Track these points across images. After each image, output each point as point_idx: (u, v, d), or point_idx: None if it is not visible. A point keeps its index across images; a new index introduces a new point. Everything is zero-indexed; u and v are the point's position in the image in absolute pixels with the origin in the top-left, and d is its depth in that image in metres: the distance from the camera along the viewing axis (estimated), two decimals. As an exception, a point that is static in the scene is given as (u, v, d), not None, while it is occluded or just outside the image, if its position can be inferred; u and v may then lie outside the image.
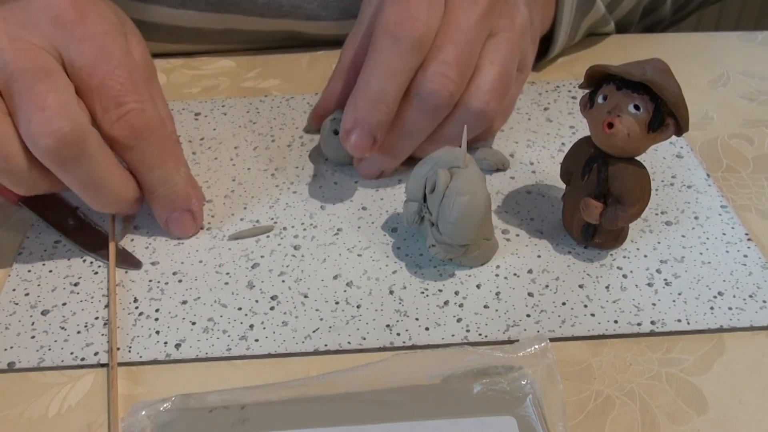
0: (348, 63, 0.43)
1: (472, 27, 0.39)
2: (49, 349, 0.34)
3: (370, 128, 0.38)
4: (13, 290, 0.37)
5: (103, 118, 0.34)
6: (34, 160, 0.33)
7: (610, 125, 0.33)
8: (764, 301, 0.36)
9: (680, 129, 0.34)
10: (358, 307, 0.36)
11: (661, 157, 0.45)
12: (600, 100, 0.34)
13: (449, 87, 0.38)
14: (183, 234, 0.39)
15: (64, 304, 0.36)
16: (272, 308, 0.36)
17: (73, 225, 0.40)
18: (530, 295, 0.36)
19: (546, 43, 0.52)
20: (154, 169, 0.37)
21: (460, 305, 0.36)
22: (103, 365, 0.33)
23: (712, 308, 0.35)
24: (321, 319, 0.35)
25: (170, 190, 0.38)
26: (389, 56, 0.38)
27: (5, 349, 0.34)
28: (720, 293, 0.36)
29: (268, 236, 0.40)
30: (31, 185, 0.35)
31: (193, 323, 0.35)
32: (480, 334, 0.34)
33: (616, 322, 0.35)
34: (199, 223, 0.40)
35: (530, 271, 0.37)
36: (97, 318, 0.35)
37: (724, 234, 0.39)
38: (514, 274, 0.37)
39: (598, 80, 0.35)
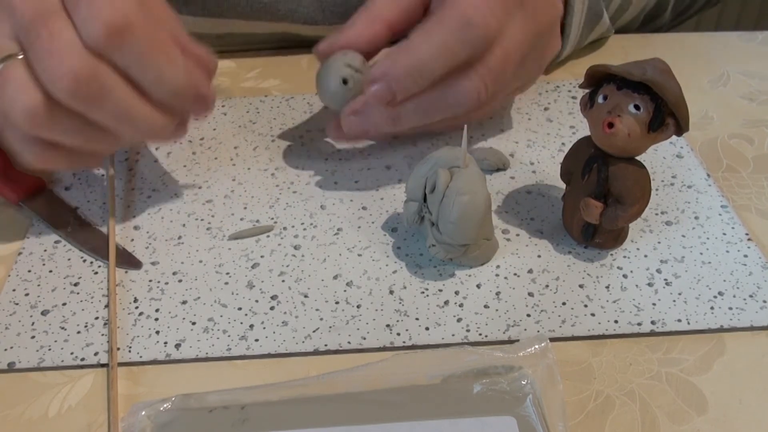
0: (383, 12, 0.41)
1: (525, 45, 0.39)
2: (49, 349, 0.34)
3: (397, 89, 0.38)
4: (13, 290, 0.37)
5: (77, 21, 0.33)
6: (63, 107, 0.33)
7: (611, 125, 0.33)
8: (764, 301, 0.36)
9: (680, 129, 0.34)
10: (358, 307, 0.36)
11: (661, 157, 0.45)
12: (600, 99, 0.34)
13: (483, 95, 0.38)
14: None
15: (64, 304, 0.36)
16: (272, 308, 0.36)
17: (73, 225, 0.40)
18: (530, 295, 0.36)
19: None
20: (146, 70, 0.34)
21: (460, 305, 0.36)
22: (103, 365, 0.33)
23: (712, 308, 0.35)
24: (321, 319, 0.35)
25: (171, 88, 0.35)
26: (452, 36, 0.37)
27: (5, 349, 0.34)
28: (720, 293, 0.36)
29: (268, 236, 0.40)
30: (85, 136, 0.35)
31: (193, 323, 0.35)
32: (480, 334, 0.34)
33: (616, 322, 0.35)
34: (213, 101, 0.38)
35: (530, 271, 0.37)
36: (97, 318, 0.35)
37: (724, 234, 0.39)
38: (515, 274, 0.37)
39: (598, 80, 0.35)
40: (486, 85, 0.38)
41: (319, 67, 0.41)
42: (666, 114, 0.34)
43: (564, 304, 0.36)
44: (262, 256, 0.38)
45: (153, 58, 0.34)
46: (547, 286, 0.37)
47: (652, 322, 0.35)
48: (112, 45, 0.33)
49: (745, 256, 0.38)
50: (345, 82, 0.40)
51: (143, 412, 0.30)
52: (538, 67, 0.44)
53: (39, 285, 0.37)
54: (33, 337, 0.34)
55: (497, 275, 0.37)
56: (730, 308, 0.35)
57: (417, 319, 0.35)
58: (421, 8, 0.42)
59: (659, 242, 0.39)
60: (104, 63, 0.33)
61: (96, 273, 0.38)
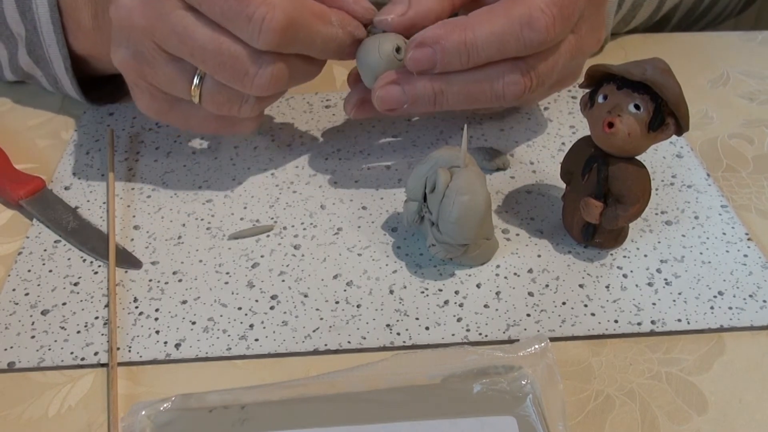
0: None
1: (569, 60, 0.40)
2: (49, 349, 0.34)
3: (440, 59, 0.37)
4: (13, 290, 0.37)
5: (246, 37, 0.36)
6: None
7: (611, 125, 0.33)
8: (764, 301, 0.36)
9: (680, 128, 0.34)
10: (358, 306, 0.36)
11: (661, 157, 0.45)
12: (600, 99, 0.34)
13: (526, 92, 0.38)
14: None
15: (64, 303, 0.36)
16: (272, 308, 0.36)
17: (73, 225, 0.40)
18: (530, 294, 0.36)
19: None
20: (314, 45, 0.38)
21: (460, 305, 0.36)
22: (103, 365, 0.33)
23: (712, 308, 0.35)
24: (321, 319, 0.35)
25: (336, 48, 0.39)
26: (512, 30, 0.36)
27: (5, 349, 0.34)
28: (720, 293, 0.36)
29: (268, 236, 0.40)
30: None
31: (193, 323, 0.35)
32: (480, 334, 0.34)
33: (616, 321, 0.35)
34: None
35: (530, 271, 0.37)
36: (97, 318, 0.35)
37: (724, 234, 0.39)
38: (515, 274, 0.37)
39: (598, 80, 0.35)
40: (531, 85, 0.38)
41: (363, 41, 0.40)
42: (666, 114, 0.34)
43: (564, 303, 0.36)
44: (262, 256, 0.38)
45: (316, 37, 0.38)
46: (547, 285, 0.37)
47: (652, 322, 0.35)
48: (284, 47, 0.37)
49: (745, 255, 0.38)
50: (398, 50, 0.39)
51: (143, 412, 0.30)
52: (579, 70, 0.44)
53: (39, 285, 0.37)
54: (33, 336, 0.34)
55: (497, 275, 0.37)
56: (730, 308, 0.35)
57: (417, 318, 0.35)
58: None
59: (659, 242, 0.39)
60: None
61: (96, 273, 0.38)
